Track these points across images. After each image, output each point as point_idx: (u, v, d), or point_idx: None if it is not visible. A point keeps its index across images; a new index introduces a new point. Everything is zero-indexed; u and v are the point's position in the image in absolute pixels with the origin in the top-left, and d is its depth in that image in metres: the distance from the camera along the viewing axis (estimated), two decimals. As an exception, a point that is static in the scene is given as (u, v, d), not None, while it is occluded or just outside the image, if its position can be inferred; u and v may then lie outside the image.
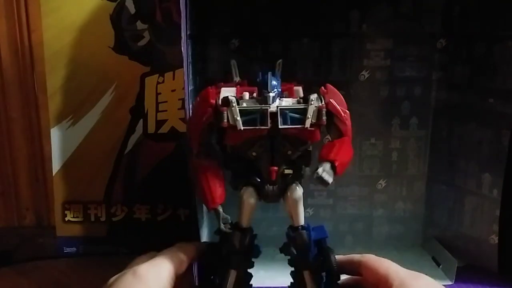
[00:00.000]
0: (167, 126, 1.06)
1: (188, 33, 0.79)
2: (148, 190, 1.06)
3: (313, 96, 0.65)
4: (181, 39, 0.75)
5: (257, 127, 0.64)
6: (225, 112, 0.64)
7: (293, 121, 0.64)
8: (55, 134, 1.05)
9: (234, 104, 0.64)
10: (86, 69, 1.02)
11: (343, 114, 0.67)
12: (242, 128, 0.64)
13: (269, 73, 0.66)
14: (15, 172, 1.21)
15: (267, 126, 0.64)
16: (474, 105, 0.94)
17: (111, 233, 1.08)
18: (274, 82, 0.66)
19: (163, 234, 1.06)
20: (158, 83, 1.05)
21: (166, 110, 1.06)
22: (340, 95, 0.68)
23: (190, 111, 0.77)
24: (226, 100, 0.65)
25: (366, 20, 0.98)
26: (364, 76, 0.99)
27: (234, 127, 0.65)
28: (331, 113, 0.66)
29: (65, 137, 1.05)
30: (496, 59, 0.90)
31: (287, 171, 0.68)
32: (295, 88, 0.71)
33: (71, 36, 1.01)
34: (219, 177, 0.68)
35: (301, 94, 0.70)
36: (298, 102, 0.66)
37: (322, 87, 0.67)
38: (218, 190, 0.68)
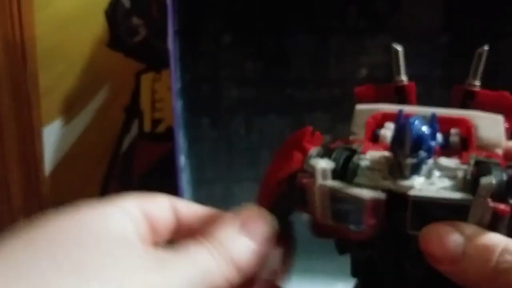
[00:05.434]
0: (164, 126, 1.11)
1: (176, 28, 0.84)
2: (144, 191, 1.10)
3: (491, 177, 0.38)
4: (167, 36, 0.80)
5: (350, 228, 0.41)
6: (310, 185, 0.42)
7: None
8: (47, 134, 1.10)
9: (319, 182, 0.41)
10: (80, 66, 1.07)
11: None
12: (330, 223, 0.42)
13: (413, 120, 0.40)
14: (7, 173, 1.21)
15: (366, 229, 0.40)
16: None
17: (106, 235, 1.13)
18: (419, 132, 0.40)
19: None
20: (154, 80, 1.10)
21: (162, 109, 1.11)
22: None
23: (178, 111, 0.79)
24: (311, 166, 0.42)
25: (364, 15, 1.01)
26: (362, 74, 1.03)
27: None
28: None
29: (58, 137, 1.10)
30: (498, 57, 0.94)
31: None
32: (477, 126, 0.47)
33: (65, 31, 1.06)
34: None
35: (499, 141, 0.46)
36: (465, 179, 0.40)
37: None
38: None
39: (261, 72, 1.03)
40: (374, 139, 0.47)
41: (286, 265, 0.47)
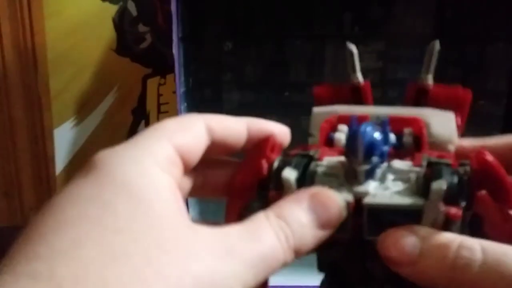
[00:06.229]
0: (169, 127, 1.14)
1: (180, 35, 0.87)
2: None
3: (442, 181, 0.38)
4: (172, 42, 0.83)
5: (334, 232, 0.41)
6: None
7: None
8: (58, 135, 1.12)
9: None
10: (89, 71, 1.10)
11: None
12: None
13: (364, 127, 0.39)
14: (19, 173, 1.23)
15: (346, 234, 0.41)
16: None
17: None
18: (371, 139, 0.40)
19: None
20: (159, 84, 1.14)
21: (167, 112, 1.15)
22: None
23: (182, 113, 0.82)
24: (277, 177, 0.42)
25: (358, 23, 1.05)
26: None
27: None
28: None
29: (68, 138, 1.13)
30: (487, 61, 0.98)
31: None
32: (429, 125, 0.46)
33: (74, 38, 1.08)
34: None
35: (450, 140, 0.46)
36: (418, 182, 0.40)
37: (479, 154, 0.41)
38: None
39: (260, 76, 1.07)
40: (330, 143, 0.46)
41: None
